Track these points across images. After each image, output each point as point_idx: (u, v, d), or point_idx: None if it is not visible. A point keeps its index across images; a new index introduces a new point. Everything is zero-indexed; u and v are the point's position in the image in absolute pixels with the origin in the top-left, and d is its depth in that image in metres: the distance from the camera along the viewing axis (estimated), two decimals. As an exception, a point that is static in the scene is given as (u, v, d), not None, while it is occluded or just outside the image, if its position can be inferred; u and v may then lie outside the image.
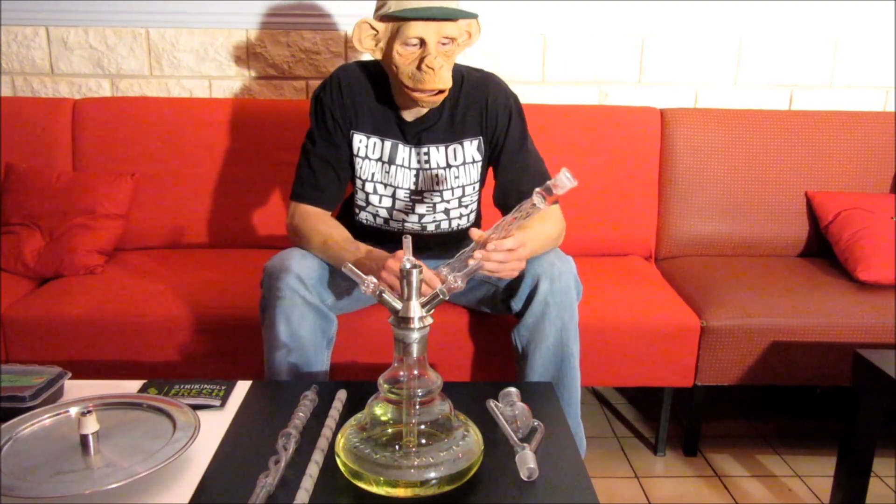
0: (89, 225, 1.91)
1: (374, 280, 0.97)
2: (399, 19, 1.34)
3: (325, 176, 1.50)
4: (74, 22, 2.18)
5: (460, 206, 1.56)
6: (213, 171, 2.09)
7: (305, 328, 1.38)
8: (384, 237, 1.58)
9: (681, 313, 1.74)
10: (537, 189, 1.18)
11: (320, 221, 1.47)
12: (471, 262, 1.18)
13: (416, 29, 1.33)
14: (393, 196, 1.53)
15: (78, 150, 2.09)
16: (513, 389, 1.12)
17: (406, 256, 0.97)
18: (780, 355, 1.73)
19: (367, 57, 2.07)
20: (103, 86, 2.24)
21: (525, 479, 0.95)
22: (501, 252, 1.24)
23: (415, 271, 0.95)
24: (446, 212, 1.56)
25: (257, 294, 1.45)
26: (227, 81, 2.24)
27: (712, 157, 2.13)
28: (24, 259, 1.85)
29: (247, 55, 2.22)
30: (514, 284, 1.44)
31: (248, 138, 2.09)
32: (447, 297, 0.98)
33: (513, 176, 1.51)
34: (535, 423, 1.08)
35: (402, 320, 0.95)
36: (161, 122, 2.08)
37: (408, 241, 1.02)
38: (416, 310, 0.95)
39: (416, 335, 0.95)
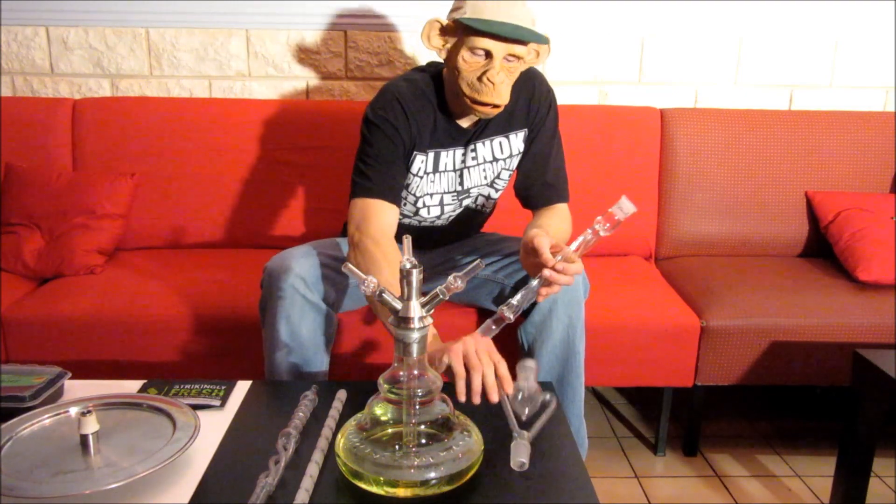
0: (89, 225, 1.91)
1: (375, 280, 0.97)
2: (474, 32, 1.32)
3: (390, 175, 1.43)
4: (74, 22, 2.18)
5: (491, 186, 1.58)
6: (213, 171, 2.09)
7: (306, 327, 1.38)
8: (424, 232, 1.60)
9: (681, 313, 1.74)
10: (599, 218, 1.16)
11: (389, 253, 1.34)
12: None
13: (485, 42, 1.31)
14: (441, 203, 1.54)
15: (78, 150, 2.09)
16: (531, 364, 1.09)
17: (406, 256, 0.97)
18: (780, 355, 1.73)
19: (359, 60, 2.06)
20: (103, 86, 2.24)
21: (515, 468, 0.95)
22: (568, 275, 1.21)
23: (415, 271, 0.95)
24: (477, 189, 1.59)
25: (258, 294, 1.45)
26: (227, 81, 2.24)
27: (712, 157, 2.13)
28: (24, 259, 1.86)
29: (247, 55, 2.22)
30: (522, 283, 1.44)
31: (248, 138, 2.09)
32: (447, 297, 0.98)
33: (538, 167, 1.54)
34: (547, 397, 1.07)
35: (402, 320, 0.95)
36: (161, 122, 2.08)
37: (408, 242, 1.01)
38: (416, 310, 0.95)
39: (416, 335, 0.95)
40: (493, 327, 1.16)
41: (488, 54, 1.33)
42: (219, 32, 2.20)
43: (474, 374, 1.06)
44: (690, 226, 2.14)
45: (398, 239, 1.60)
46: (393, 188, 1.42)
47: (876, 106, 2.32)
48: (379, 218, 1.38)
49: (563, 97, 2.26)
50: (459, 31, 1.35)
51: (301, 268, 1.38)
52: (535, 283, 1.19)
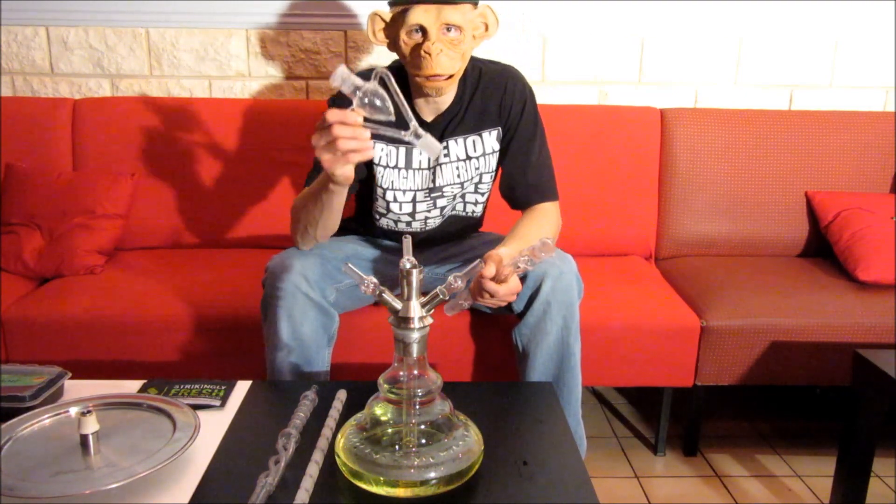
0: (89, 225, 1.91)
1: (374, 280, 0.97)
2: (401, 4, 1.35)
3: None
4: (74, 22, 2.18)
5: (476, 192, 1.58)
6: (213, 171, 2.09)
7: (307, 325, 1.38)
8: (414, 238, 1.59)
9: (681, 313, 1.74)
10: (524, 252, 1.12)
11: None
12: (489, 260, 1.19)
13: (416, 15, 1.34)
14: (413, 200, 1.54)
15: (78, 150, 2.09)
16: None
17: (406, 257, 0.97)
18: (780, 355, 1.73)
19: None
20: (103, 86, 2.24)
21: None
22: (495, 286, 1.25)
23: (415, 271, 0.95)
24: (463, 196, 1.57)
25: (258, 294, 1.45)
26: (227, 81, 2.24)
27: (712, 157, 2.13)
28: (24, 259, 1.85)
29: (247, 55, 2.22)
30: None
31: (248, 138, 2.09)
32: (447, 297, 0.98)
33: (519, 166, 1.52)
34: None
35: (402, 320, 0.95)
36: (161, 122, 2.08)
37: (407, 242, 1.01)
38: (416, 310, 0.95)
39: (416, 335, 0.95)
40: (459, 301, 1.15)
41: (424, 32, 1.35)
42: (219, 32, 2.20)
43: None
44: (690, 226, 2.14)
45: (396, 239, 1.60)
46: None
47: (876, 106, 2.32)
48: None
49: (563, 97, 2.27)
50: (397, 16, 1.38)
51: (303, 266, 1.39)
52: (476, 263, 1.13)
